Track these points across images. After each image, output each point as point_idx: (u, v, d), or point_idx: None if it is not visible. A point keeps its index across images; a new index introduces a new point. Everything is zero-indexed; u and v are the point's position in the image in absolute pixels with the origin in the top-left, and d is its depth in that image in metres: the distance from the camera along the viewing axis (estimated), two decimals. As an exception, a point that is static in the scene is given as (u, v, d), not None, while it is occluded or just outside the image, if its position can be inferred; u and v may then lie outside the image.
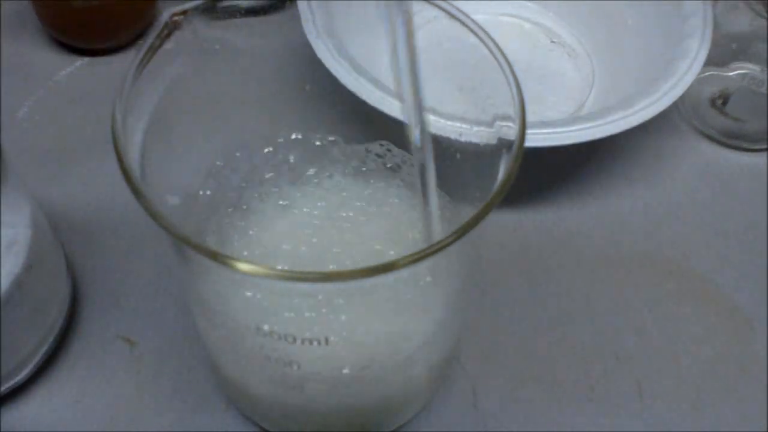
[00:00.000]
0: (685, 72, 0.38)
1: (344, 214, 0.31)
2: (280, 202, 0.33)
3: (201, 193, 0.30)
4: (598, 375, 0.35)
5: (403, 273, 0.20)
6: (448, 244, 0.21)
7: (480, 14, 0.47)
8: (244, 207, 0.33)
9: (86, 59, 0.46)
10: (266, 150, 0.32)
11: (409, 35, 0.22)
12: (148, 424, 0.33)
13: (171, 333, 0.35)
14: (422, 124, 0.24)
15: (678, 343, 0.37)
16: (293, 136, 0.32)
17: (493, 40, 0.25)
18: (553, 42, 0.47)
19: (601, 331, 0.37)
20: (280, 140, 0.32)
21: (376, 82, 0.35)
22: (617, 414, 0.34)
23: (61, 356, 0.35)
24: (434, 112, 0.31)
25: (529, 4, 0.49)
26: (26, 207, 0.31)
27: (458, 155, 0.29)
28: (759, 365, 0.36)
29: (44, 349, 0.33)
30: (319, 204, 0.32)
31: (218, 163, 0.31)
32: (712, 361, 0.36)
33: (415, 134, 0.25)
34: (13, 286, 0.29)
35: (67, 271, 0.35)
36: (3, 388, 0.32)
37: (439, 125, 0.30)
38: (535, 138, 0.35)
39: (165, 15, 0.25)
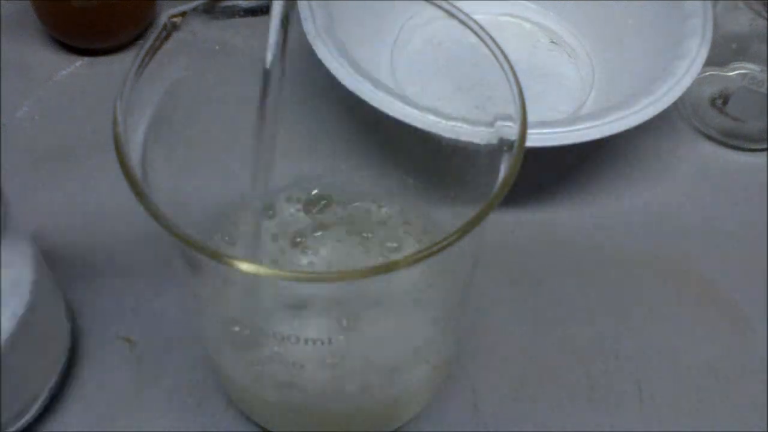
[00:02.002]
0: (685, 72, 0.38)
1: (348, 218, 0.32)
2: (284, 203, 0.33)
3: (203, 193, 0.30)
4: (598, 375, 0.35)
5: (404, 273, 0.20)
6: (450, 244, 0.21)
7: (480, 14, 0.47)
8: (247, 207, 0.33)
9: (86, 59, 0.46)
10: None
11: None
12: (148, 424, 0.33)
13: (171, 333, 0.35)
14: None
15: (678, 343, 0.37)
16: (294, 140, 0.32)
17: (493, 39, 0.25)
18: (553, 42, 0.47)
19: (601, 331, 0.37)
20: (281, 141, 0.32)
21: (376, 82, 0.35)
22: (617, 414, 0.34)
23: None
24: (434, 112, 0.31)
25: (529, 4, 0.49)
26: (27, 245, 0.31)
27: (458, 155, 0.29)
28: (759, 365, 0.36)
29: (49, 386, 0.33)
30: (317, 208, 0.32)
31: (220, 163, 0.31)
32: (712, 361, 0.36)
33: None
34: (18, 327, 0.29)
35: (66, 310, 0.34)
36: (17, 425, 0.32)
37: (439, 125, 0.30)
38: (535, 138, 0.35)
39: (163, 17, 0.25)
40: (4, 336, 0.29)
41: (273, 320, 0.27)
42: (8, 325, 0.29)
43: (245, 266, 0.20)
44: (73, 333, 0.35)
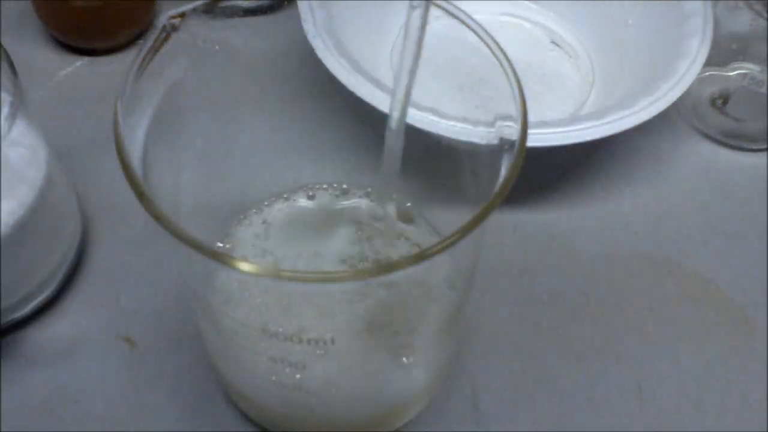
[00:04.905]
0: (685, 72, 0.38)
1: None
2: (284, 202, 0.33)
3: (203, 193, 0.30)
4: (598, 375, 0.35)
5: (405, 273, 0.20)
6: (450, 245, 0.21)
7: (480, 14, 0.46)
8: (247, 208, 0.33)
9: (86, 59, 0.46)
10: (267, 150, 0.32)
11: (421, 36, 0.24)
12: (148, 424, 0.33)
13: (171, 333, 0.35)
14: (402, 111, 0.25)
15: (678, 343, 0.37)
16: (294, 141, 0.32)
17: (494, 39, 0.25)
18: (553, 42, 0.47)
19: (601, 331, 0.37)
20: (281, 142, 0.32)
21: (376, 82, 0.35)
22: (617, 414, 0.34)
23: (58, 340, 0.35)
24: (435, 112, 0.31)
25: (529, 4, 0.49)
26: (38, 125, 0.33)
27: (459, 155, 0.29)
28: (759, 365, 0.36)
29: (59, 275, 0.35)
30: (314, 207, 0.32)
31: (220, 163, 0.31)
32: (712, 361, 0.36)
33: (393, 117, 0.26)
34: (37, 199, 0.31)
35: (78, 205, 0.36)
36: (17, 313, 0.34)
37: (439, 125, 0.30)
38: (535, 138, 0.35)
39: (163, 18, 0.25)
40: (25, 205, 0.30)
41: (274, 320, 0.27)
42: (29, 195, 0.31)
43: (245, 266, 0.20)
44: (84, 227, 0.36)
